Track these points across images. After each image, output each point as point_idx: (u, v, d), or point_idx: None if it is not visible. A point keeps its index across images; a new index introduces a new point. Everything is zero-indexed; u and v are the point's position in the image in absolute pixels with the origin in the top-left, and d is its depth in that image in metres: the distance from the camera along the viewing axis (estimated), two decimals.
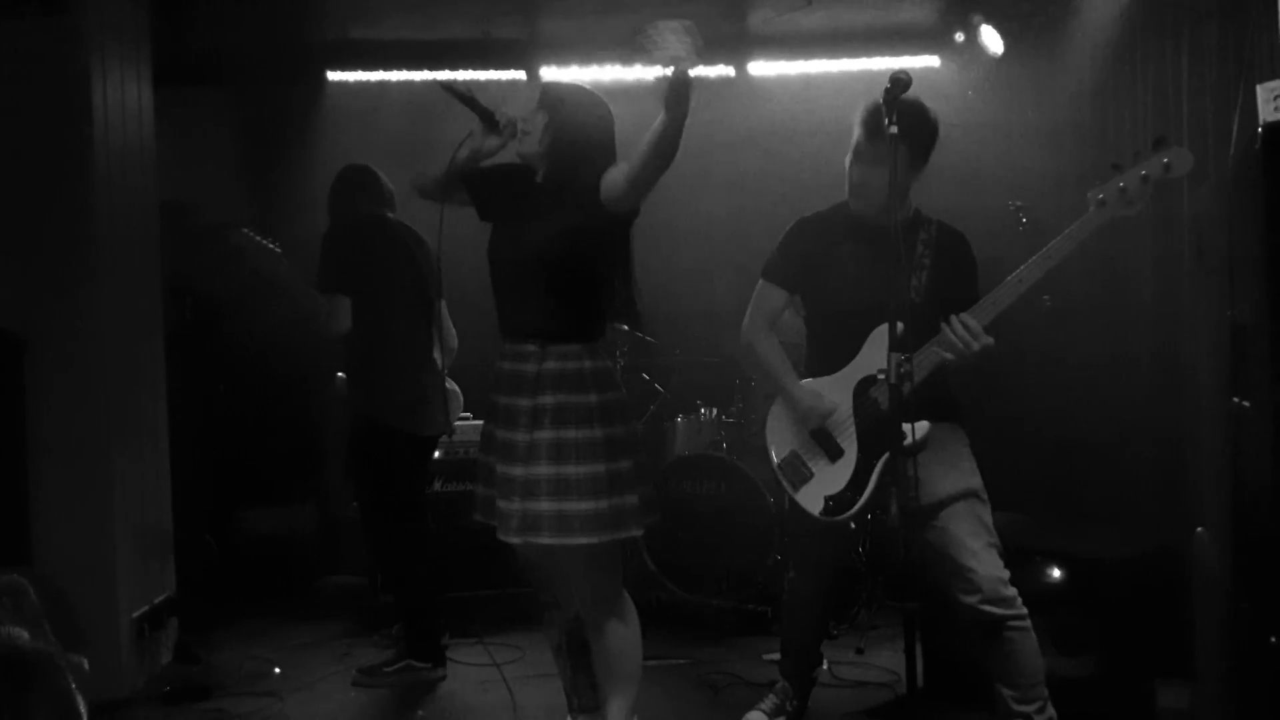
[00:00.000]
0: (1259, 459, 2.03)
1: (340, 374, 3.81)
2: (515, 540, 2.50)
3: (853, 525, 2.78)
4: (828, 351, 2.83)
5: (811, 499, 2.78)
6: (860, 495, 2.72)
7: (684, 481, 4.31)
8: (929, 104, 2.70)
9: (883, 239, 2.51)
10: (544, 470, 2.46)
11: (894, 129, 2.33)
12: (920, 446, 2.50)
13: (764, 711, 3.12)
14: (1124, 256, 4.04)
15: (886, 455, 2.65)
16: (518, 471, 2.49)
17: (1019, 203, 4.11)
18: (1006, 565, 2.66)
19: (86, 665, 3.18)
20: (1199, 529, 2.70)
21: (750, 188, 5.12)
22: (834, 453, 2.78)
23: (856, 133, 2.71)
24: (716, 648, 3.94)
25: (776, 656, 3.38)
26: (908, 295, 2.65)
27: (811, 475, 2.81)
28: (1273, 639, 1.95)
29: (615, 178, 2.50)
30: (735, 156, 5.16)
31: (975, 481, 2.74)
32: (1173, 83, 3.76)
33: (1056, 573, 3.10)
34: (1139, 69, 3.99)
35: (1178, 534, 3.07)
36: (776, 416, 2.90)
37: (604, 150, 2.60)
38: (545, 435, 2.48)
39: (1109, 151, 4.15)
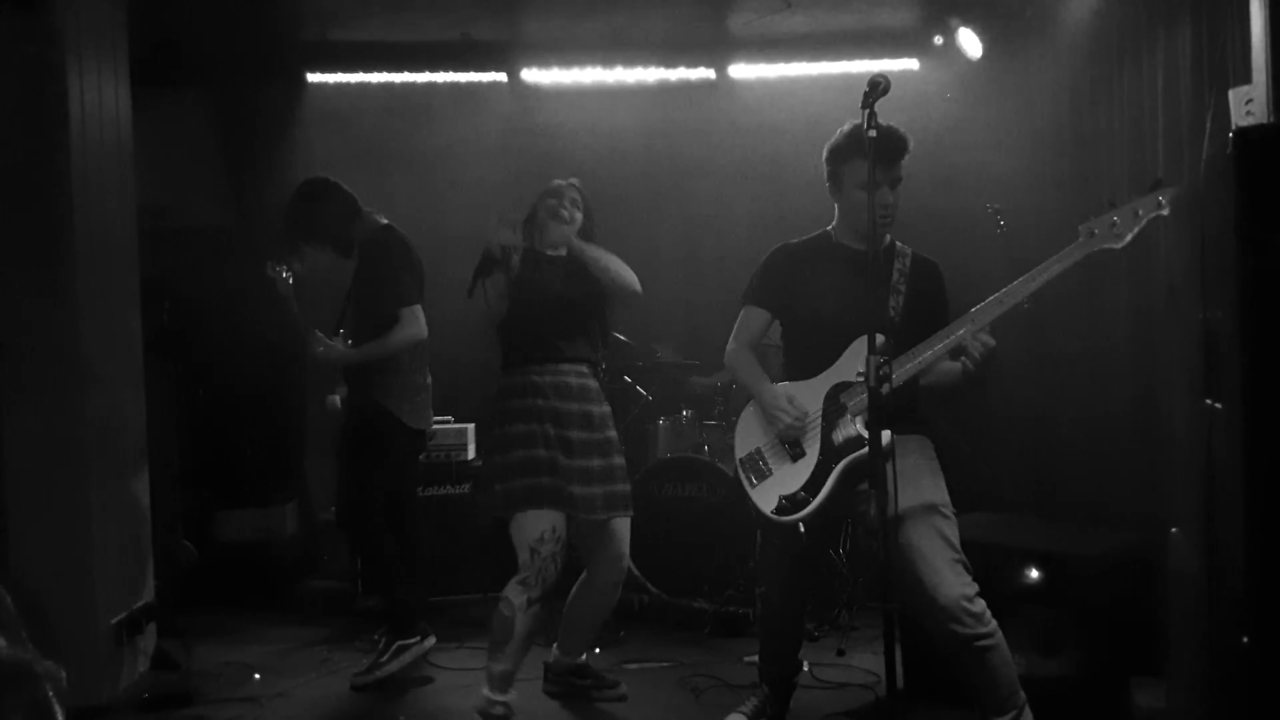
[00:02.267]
0: (1230, 459, 2.06)
1: (338, 390, 3.93)
2: (603, 517, 3.21)
3: (801, 528, 2.79)
4: (804, 360, 2.92)
5: (766, 497, 2.84)
6: (815, 496, 2.76)
7: (666, 484, 4.32)
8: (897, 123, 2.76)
9: (861, 264, 2.65)
10: (618, 460, 3.28)
11: (873, 132, 2.35)
12: (886, 455, 2.51)
13: (744, 714, 3.13)
14: (1100, 258, 4.07)
15: (845, 460, 2.74)
16: (596, 463, 3.20)
17: (996, 205, 4.15)
18: (977, 577, 2.68)
19: (63, 673, 3.16)
20: (1174, 529, 2.73)
21: (731, 190, 5.13)
22: (796, 454, 2.84)
23: (860, 164, 2.64)
24: (698, 650, 3.95)
25: (757, 658, 3.39)
26: (888, 313, 2.80)
27: (770, 474, 2.86)
28: (1244, 639, 1.98)
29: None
30: (716, 157, 5.18)
31: (937, 496, 2.76)
32: (1147, 87, 3.79)
33: (1033, 572, 3.13)
34: (1114, 72, 4.03)
35: (1153, 534, 3.10)
36: (747, 416, 2.99)
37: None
38: (612, 434, 3.30)
39: (1085, 153, 4.20)
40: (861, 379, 2.53)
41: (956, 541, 2.72)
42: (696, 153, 5.20)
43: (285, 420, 5.12)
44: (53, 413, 3.39)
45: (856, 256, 2.83)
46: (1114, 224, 2.51)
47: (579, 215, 3.32)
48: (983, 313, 2.66)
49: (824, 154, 2.90)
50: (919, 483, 2.75)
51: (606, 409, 3.32)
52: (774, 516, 2.81)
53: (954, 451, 4.47)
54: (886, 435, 2.55)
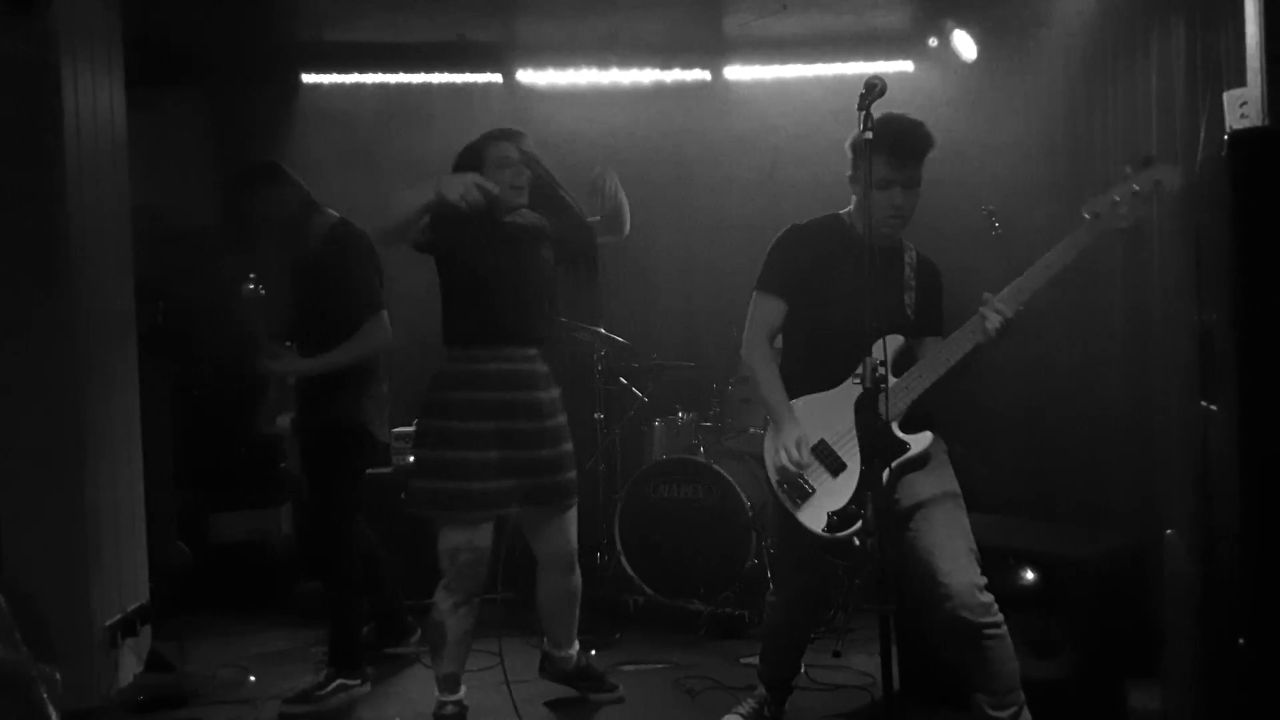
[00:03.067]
0: (1226, 462, 2.07)
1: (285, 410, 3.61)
2: (553, 506, 3.13)
3: (856, 541, 2.64)
4: (822, 364, 2.75)
5: (814, 516, 2.68)
6: (865, 508, 2.61)
7: (662, 485, 4.31)
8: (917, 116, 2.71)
9: (872, 255, 2.45)
10: (566, 448, 3.16)
11: (869, 135, 2.35)
12: (925, 459, 2.63)
13: (741, 715, 3.13)
14: (1095, 262, 4.09)
15: (893, 466, 2.62)
16: (546, 452, 3.09)
17: (991, 207, 4.15)
18: (983, 571, 2.65)
19: (58, 675, 3.15)
20: (1169, 531, 2.74)
21: (726, 191, 5.13)
22: (836, 467, 2.71)
23: (878, 160, 2.56)
24: (693, 651, 3.94)
25: (754, 660, 3.39)
26: (904, 312, 2.73)
27: (813, 491, 2.71)
28: (1240, 641, 1.98)
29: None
30: (711, 159, 5.18)
31: (953, 486, 2.75)
32: (1142, 89, 3.81)
33: (1029, 574, 3.13)
34: (1109, 75, 4.04)
35: (1149, 536, 3.10)
36: (771, 439, 2.80)
37: (553, 176, 3.19)
38: (561, 419, 3.17)
39: (1080, 155, 4.21)
40: (892, 383, 2.54)
41: (969, 532, 2.69)
42: (692, 154, 5.20)
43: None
44: (47, 413, 3.38)
45: (866, 249, 2.66)
46: (1115, 202, 2.49)
47: (526, 173, 3.08)
48: (999, 300, 2.63)
49: (846, 145, 2.78)
50: (938, 471, 2.74)
51: (555, 393, 3.17)
52: (826, 535, 2.66)
53: (949, 453, 4.51)
54: (928, 437, 2.68)
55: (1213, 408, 2.19)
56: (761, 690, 3.17)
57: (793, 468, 2.68)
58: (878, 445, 2.53)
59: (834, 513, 2.66)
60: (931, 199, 4.45)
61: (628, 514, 4.32)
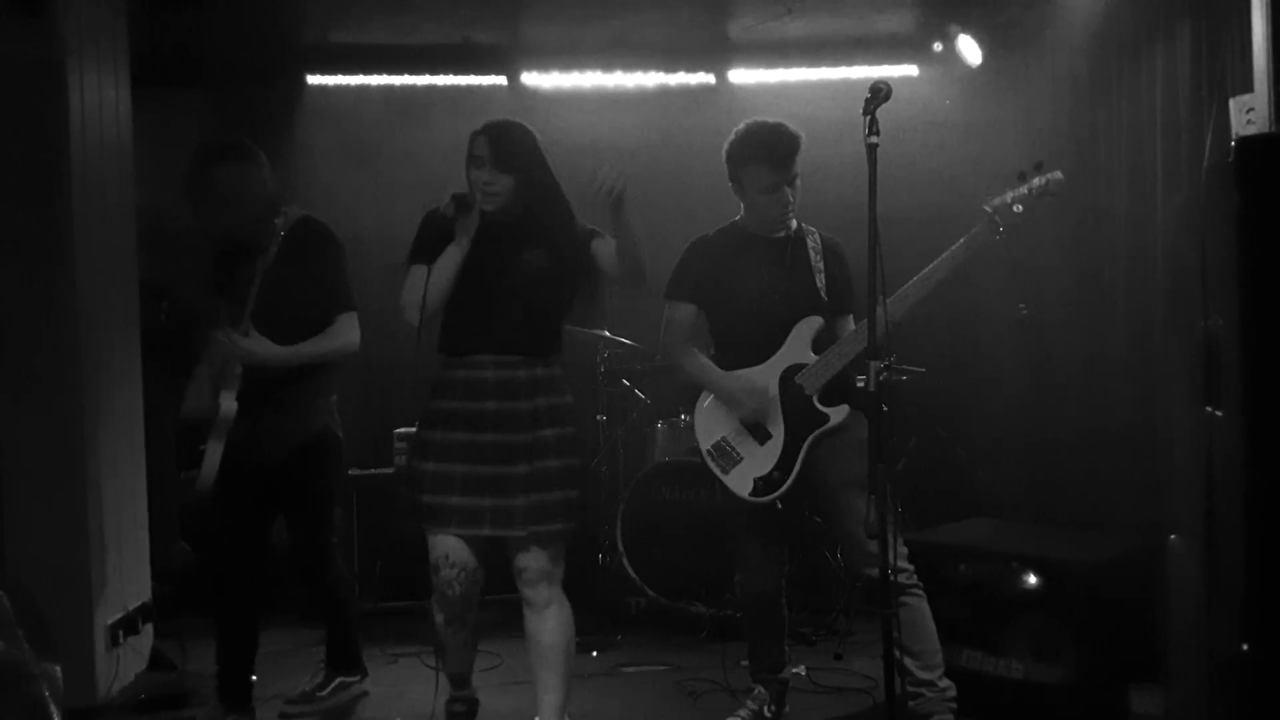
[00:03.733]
0: (1231, 468, 2.06)
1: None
2: (522, 532, 2.74)
3: (779, 505, 2.98)
4: (743, 351, 3.03)
5: (740, 481, 2.98)
6: (788, 475, 2.94)
7: (664, 487, 4.32)
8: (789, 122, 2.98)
9: (775, 250, 3.01)
10: (552, 463, 2.78)
11: (875, 139, 2.37)
12: (843, 428, 2.90)
13: (742, 718, 3.13)
14: (1099, 266, 4.09)
15: (811, 436, 2.94)
16: (520, 469, 2.76)
17: (994, 209, 4.15)
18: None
19: (59, 673, 3.15)
20: (1173, 536, 2.74)
21: (730, 194, 5.12)
22: (762, 436, 2.98)
23: (759, 168, 2.96)
24: (695, 653, 3.94)
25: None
26: (819, 295, 3.00)
27: (741, 459, 3.00)
28: (1244, 646, 1.98)
29: (608, 254, 2.87)
30: (716, 162, 5.16)
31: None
32: (1146, 94, 3.81)
33: (1032, 578, 3.13)
34: (1113, 80, 4.04)
35: (1152, 540, 3.10)
36: (704, 408, 3.10)
37: (550, 176, 2.89)
38: (546, 433, 2.80)
39: (1084, 159, 4.21)
40: (812, 360, 2.94)
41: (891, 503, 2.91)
42: (696, 157, 5.18)
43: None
44: (50, 413, 3.38)
45: (771, 244, 3.03)
46: (1009, 203, 2.84)
47: (502, 177, 2.81)
48: (912, 290, 2.86)
49: (723, 154, 3.07)
50: (863, 451, 2.79)
51: (542, 403, 2.80)
52: (751, 499, 2.96)
53: (952, 458, 4.52)
54: (844, 410, 2.93)
55: (1218, 413, 2.19)
56: (760, 691, 3.17)
57: (760, 406, 2.96)
58: (802, 417, 2.93)
59: (759, 478, 2.95)
60: (936, 201, 4.48)
61: (630, 516, 4.32)
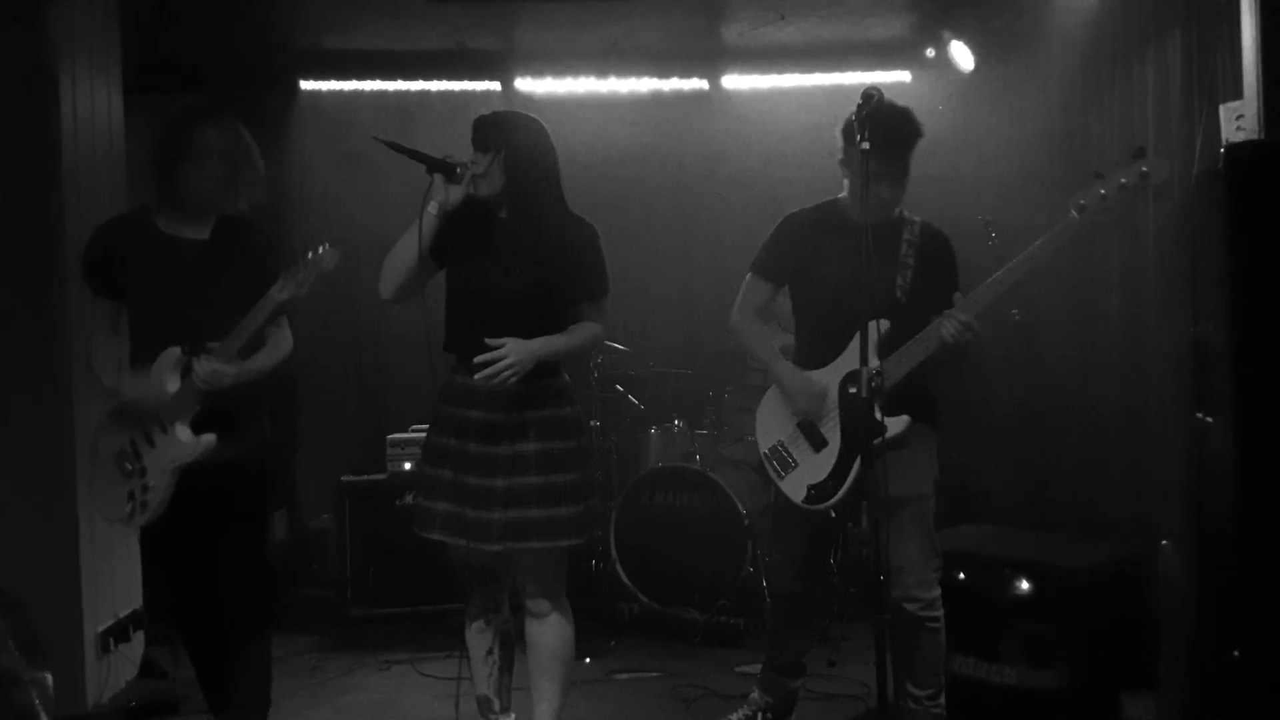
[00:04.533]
0: (1221, 474, 2.07)
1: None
2: (496, 547, 2.64)
3: (833, 514, 2.92)
4: (816, 346, 2.93)
5: (795, 487, 2.90)
6: (841, 485, 2.84)
7: (658, 493, 4.31)
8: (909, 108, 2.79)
9: (865, 238, 2.59)
10: (533, 480, 2.66)
11: (866, 144, 2.38)
12: (900, 441, 2.73)
13: None
14: (1091, 271, 4.09)
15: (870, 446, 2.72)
16: (499, 483, 2.64)
17: (988, 218, 4.17)
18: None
19: (50, 680, 3.13)
20: (1164, 541, 2.74)
21: (724, 199, 5.14)
22: (818, 443, 2.89)
23: (872, 152, 2.56)
24: (688, 660, 3.94)
25: (748, 669, 3.39)
26: (894, 294, 2.81)
27: (796, 464, 2.92)
28: (1235, 653, 1.98)
29: (595, 326, 2.78)
30: (710, 168, 5.20)
31: (928, 486, 2.85)
32: (1138, 101, 3.82)
33: (1024, 583, 3.13)
34: (1105, 86, 4.05)
35: (1144, 546, 3.11)
36: (766, 407, 3.01)
37: (553, 173, 2.76)
38: (527, 448, 2.67)
39: (1076, 165, 4.21)
40: (875, 367, 2.61)
41: (932, 526, 2.86)
42: (690, 163, 5.22)
43: (275, 426, 5.09)
44: (40, 420, 3.37)
45: (861, 231, 2.67)
46: (1102, 196, 2.54)
47: (485, 159, 2.68)
48: (983, 293, 2.69)
49: (838, 130, 2.85)
50: (919, 468, 2.85)
51: (532, 415, 2.67)
52: (805, 506, 2.88)
53: (945, 463, 4.51)
54: (904, 420, 2.76)
55: (1208, 419, 2.19)
56: (757, 697, 3.16)
57: (816, 405, 2.86)
58: (859, 425, 2.72)
59: (812, 486, 2.87)
60: (929, 207, 4.47)
61: (624, 522, 4.32)
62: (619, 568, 4.27)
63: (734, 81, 5.21)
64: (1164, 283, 3.56)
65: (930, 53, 4.81)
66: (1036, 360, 4.28)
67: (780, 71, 5.15)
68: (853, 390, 2.79)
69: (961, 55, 4.64)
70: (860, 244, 2.61)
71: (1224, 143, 2.61)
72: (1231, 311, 2.00)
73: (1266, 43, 2.44)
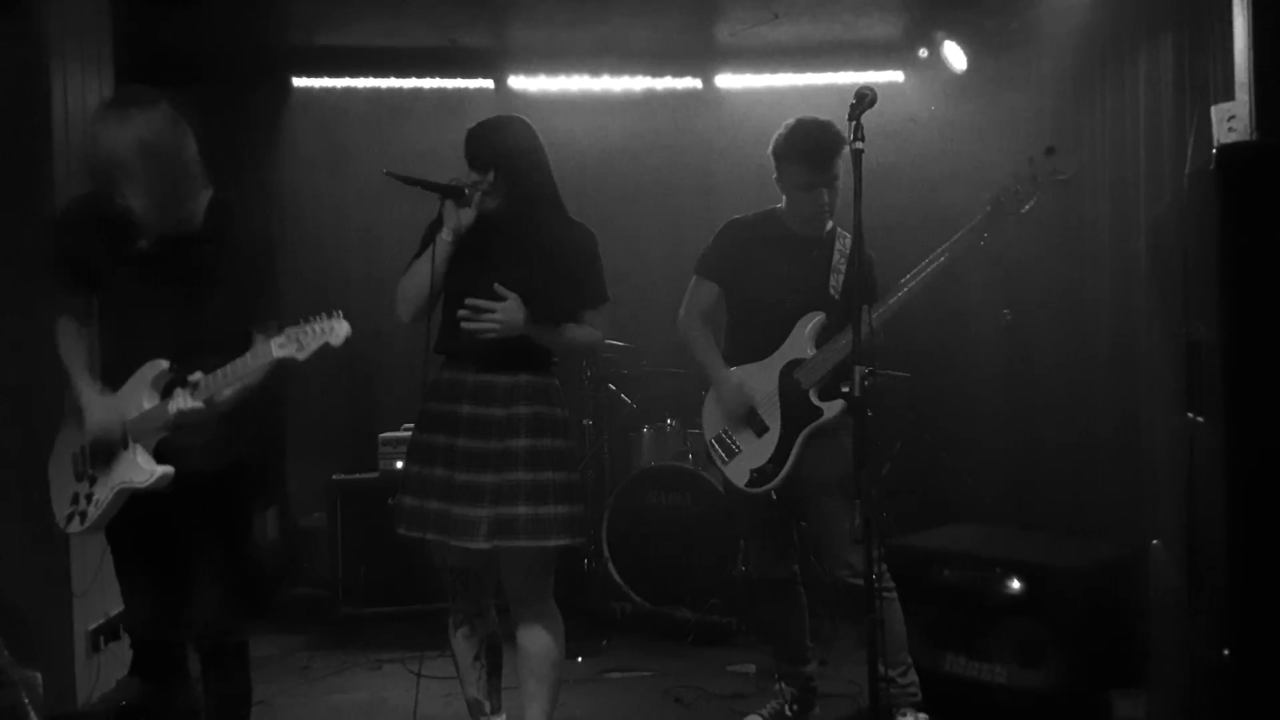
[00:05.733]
0: (1211, 473, 2.07)
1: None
2: (485, 545, 2.60)
3: (773, 495, 3.04)
4: (753, 339, 3.10)
5: (738, 472, 3.07)
6: (781, 467, 3.00)
7: (650, 493, 4.31)
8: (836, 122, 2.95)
9: (806, 246, 3.06)
10: (521, 476, 2.63)
11: (860, 144, 2.38)
12: (835, 427, 2.93)
13: (763, 716, 3.19)
14: (1082, 272, 4.11)
15: (805, 431, 2.99)
16: (489, 478, 2.63)
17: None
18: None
19: (40, 679, 3.12)
20: (1155, 541, 2.75)
21: (717, 198, 5.13)
22: (760, 429, 3.05)
23: (798, 167, 2.99)
24: (680, 659, 3.94)
25: (740, 667, 3.40)
26: (827, 292, 3.05)
27: (739, 450, 3.08)
28: (1225, 652, 1.99)
29: (594, 329, 2.79)
30: (702, 167, 5.19)
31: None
32: (1130, 101, 3.83)
33: (1015, 583, 3.14)
34: (1098, 86, 4.07)
35: (1135, 546, 3.12)
36: (710, 400, 3.17)
37: (549, 178, 2.78)
38: (518, 443, 2.65)
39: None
40: (811, 355, 2.98)
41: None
42: (683, 162, 5.21)
43: (265, 425, 5.07)
44: (29, 415, 3.35)
45: (800, 241, 3.08)
46: (1017, 193, 2.83)
47: (488, 178, 2.66)
48: (903, 294, 2.92)
49: (769, 148, 3.09)
50: (848, 449, 2.82)
51: (523, 410, 2.66)
52: (747, 489, 3.03)
53: (937, 463, 4.53)
54: (839, 404, 2.94)
55: (1199, 420, 2.20)
56: (782, 688, 3.23)
57: (743, 409, 3.04)
58: (798, 411, 2.99)
59: (755, 470, 3.03)
60: (922, 206, 4.49)
61: (615, 521, 4.32)
62: (611, 567, 4.27)
63: (727, 81, 5.21)
64: (1155, 283, 3.57)
65: (923, 53, 4.81)
66: (1027, 360, 4.29)
67: (773, 71, 5.15)
68: (796, 377, 3.01)
69: (954, 55, 4.65)
70: (796, 249, 3.05)
71: (1215, 144, 2.62)
72: (1222, 312, 2.01)
73: (1259, 44, 2.45)
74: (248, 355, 2.41)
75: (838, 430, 2.95)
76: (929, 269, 2.89)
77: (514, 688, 2.91)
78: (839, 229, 3.11)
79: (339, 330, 2.37)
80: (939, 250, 2.90)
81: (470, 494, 2.62)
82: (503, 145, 2.69)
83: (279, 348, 2.37)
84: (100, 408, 2.47)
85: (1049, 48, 4.27)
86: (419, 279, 2.68)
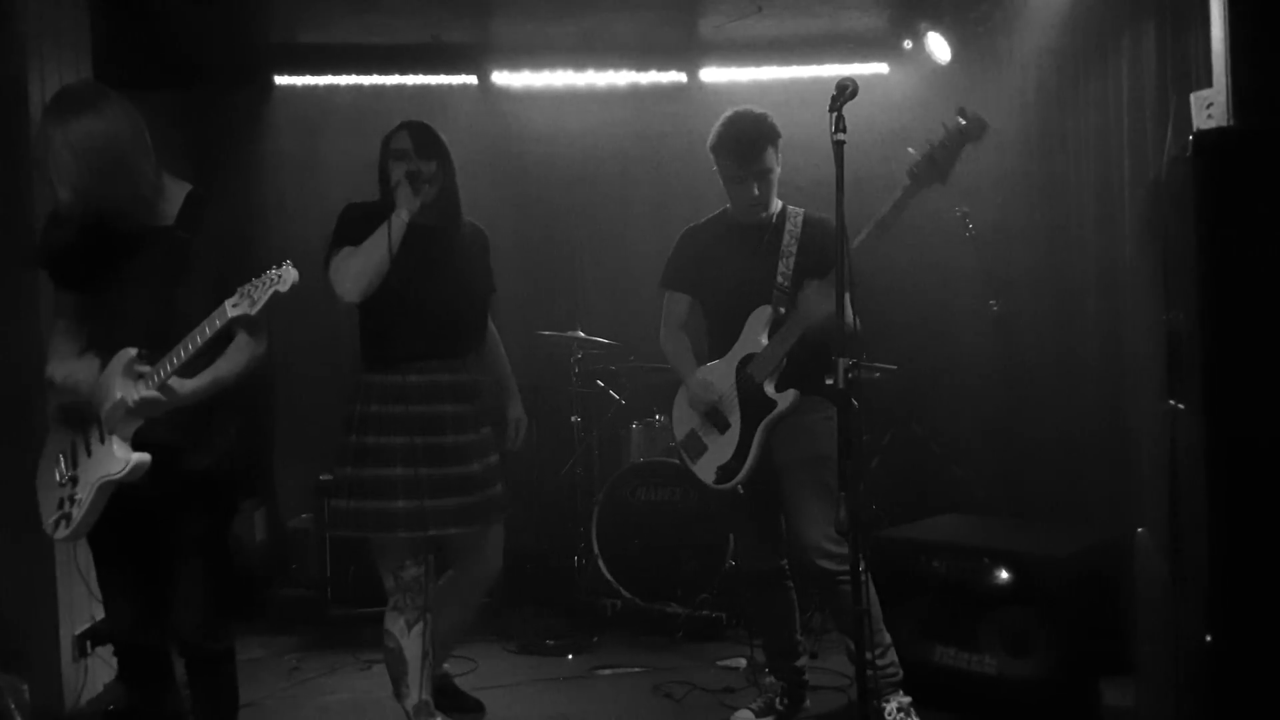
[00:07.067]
0: (1192, 460, 2.08)
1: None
2: (455, 530, 2.88)
3: (740, 490, 3.05)
4: (719, 339, 3.13)
5: (706, 470, 3.10)
6: (744, 462, 3.02)
7: (639, 488, 4.31)
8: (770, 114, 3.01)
9: (754, 235, 3.06)
10: (492, 460, 2.98)
11: (842, 136, 2.37)
12: (794, 412, 2.93)
13: (753, 710, 3.19)
14: (1069, 263, 4.11)
15: (763, 424, 3.00)
16: (475, 468, 2.90)
17: (965, 209, 4.17)
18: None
19: (25, 685, 3.11)
20: (1140, 529, 2.75)
21: (703, 192, 5.10)
22: (722, 426, 3.08)
23: (727, 161, 2.99)
24: (671, 655, 3.94)
25: (730, 663, 3.39)
26: (774, 280, 3.01)
27: (706, 448, 3.11)
28: (1208, 637, 1.99)
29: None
30: (688, 161, 5.15)
31: (825, 447, 2.82)
32: (1113, 90, 3.83)
33: (1003, 573, 3.14)
34: (1081, 76, 4.07)
35: (1121, 534, 3.12)
36: (679, 401, 3.21)
37: (455, 179, 2.99)
38: (485, 432, 2.97)
39: (1052, 155, 4.23)
40: (763, 348, 2.98)
41: (834, 486, 2.72)
42: (668, 156, 5.19)
43: (254, 425, 5.06)
44: (15, 418, 3.33)
45: (746, 230, 3.08)
46: (930, 157, 2.81)
47: (425, 169, 2.83)
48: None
49: (708, 144, 3.06)
50: (813, 430, 2.96)
51: (478, 405, 3.00)
52: (715, 486, 3.07)
53: (925, 454, 4.54)
54: (792, 394, 2.96)
55: (1180, 406, 2.20)
56: (771, 681, 3.22)
57: (706, 406, 3.06)
58: (754, 406, 3.00)
59: (720, 467, 3.05)
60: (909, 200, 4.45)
61: (605, 517, 4.31)
62: (601, 563, 4.27)
63: (712, 74, 5.19)
64: (1138, 272, 3.57)
65: (907, 44, 4.81)
66: (1015, 350, 4.29)
67: (758, 64, 5.14)
68: (749, 372, 3.03)
69: (938, 47, 4.64)
70: (745, 242, 3.04)
71: (1193, 131, 2.62)
72: (1201, 298, 2.01)
73: (1234, 30, 2.44)
74: (203, 323, 2.39)
75: (801, 414, 2.97)
76: (855, 242, 2.79)
77: (495, 686, 2.91)
78: (789, 208, 3.11)
79: (287, 277, 2.38)
80: (865, 231, 2.83)
81: (452, 485, 2.86)
82: (440, 138, 2.91)
83: (233, 307, 2.37)
84: (77, 368, 2.48)
85: (1032, 38, 4.27)
86: (375, 258, 2.77)
